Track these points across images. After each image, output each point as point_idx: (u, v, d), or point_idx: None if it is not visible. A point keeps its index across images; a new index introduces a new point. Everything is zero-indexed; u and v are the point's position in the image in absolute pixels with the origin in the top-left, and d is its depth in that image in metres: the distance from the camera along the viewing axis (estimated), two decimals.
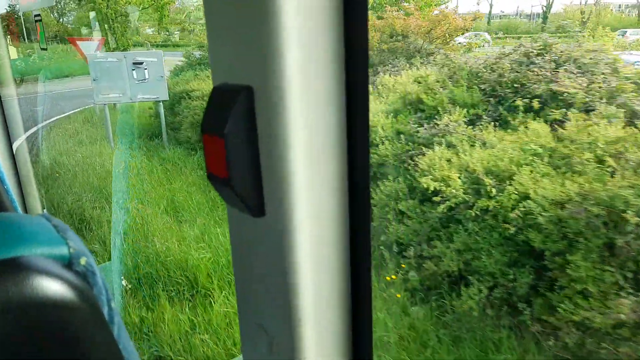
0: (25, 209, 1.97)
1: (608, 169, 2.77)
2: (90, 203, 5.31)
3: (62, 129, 8.78)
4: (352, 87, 0.51)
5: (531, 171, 3.03)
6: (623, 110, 3.27)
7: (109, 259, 4.10)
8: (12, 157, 2.28)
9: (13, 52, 6.69)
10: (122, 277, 3.77)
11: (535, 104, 3.71)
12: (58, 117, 9.78)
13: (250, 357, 0.65)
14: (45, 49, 7.39)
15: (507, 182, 3.05)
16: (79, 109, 10.35)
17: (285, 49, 0.46)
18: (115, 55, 6.88)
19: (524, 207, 2.82)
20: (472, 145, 3.57)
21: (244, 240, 0.59)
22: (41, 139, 7.62)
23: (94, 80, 6.60)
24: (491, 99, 4.16)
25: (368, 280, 0.58)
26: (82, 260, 0.39)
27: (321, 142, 0.51)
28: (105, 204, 5.23)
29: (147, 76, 6.77)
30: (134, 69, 6.68)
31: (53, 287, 0.34)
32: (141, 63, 6.69)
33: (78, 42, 7.54)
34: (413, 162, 3.69)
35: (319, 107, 0.50)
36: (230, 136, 0.49)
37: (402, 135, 4.10)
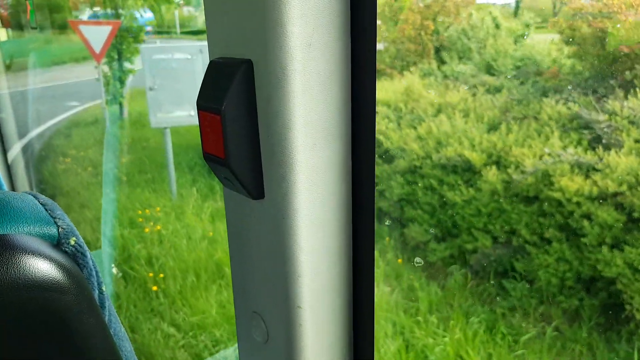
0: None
1: None
2: None
3: (72, 159, 5.43)
4: (359, 63, 0.48)
5: None
6: None
7: None
8: (7, 165, 2.10)
9: (3, 35, 5.03)
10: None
11: None
12: (37, 131, 6.68)
13: (245, 346, 0.63)
14: (36, 28, 5.99)
15: None
16: (62, 118, 7.05)
17: (288, 20, 0.43)
18: (185, 49, 4.28)
19: None
20: None
21: (242, 224, 0.56)
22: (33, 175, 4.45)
23: (150, 89, 4.12)
24: None
25: (370, 267, 0.55)
26: (72, 240, 0.37)
27: (324, 122, 0.48)
28: None
29: None
30: None
31: (40, 267, 0.33)
32: None
33: (81, 28, 5.13)
34: None
35: (322, 83, 0.47)
36: (228, 113, 0.46)
37: None
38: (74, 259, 0.37)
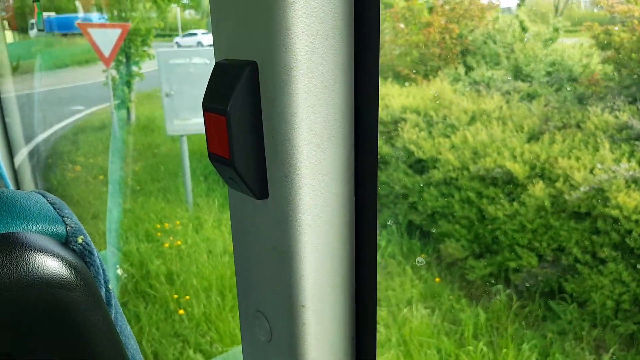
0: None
1: None
2: None
3: (81, 166, 5.05)
4: (362, 65, 0.49)
5: None
6: None
7: None
8: (13, 170, 2.09)
9: (9, 37, 4.84)
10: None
11: None
12: (43, 136, 5.31)
13: (249, 345, 0.63)
14: (43, 30, 5.79)
15: None
16: (67, 122, 6.62)
17: (292, 23, 0.43)
18: (204, 54, 4.02)
19: None
20: None
21: (246, 224, 0.57)
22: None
23: (167, 95, 3.85)
24: None
25: (373, 267, 0.56)
26: (80, 239, 0.38)
27: (328, 123, 0.49)
28: None
29: None
30: None
31: (48, 264, 0.33)
32: None
33: (90, 31, 5.06)
34: None
35: (326, 85, 0.47)
36: (233, 114, 0.47)
37: None
38: (82, 257, 0.38)
